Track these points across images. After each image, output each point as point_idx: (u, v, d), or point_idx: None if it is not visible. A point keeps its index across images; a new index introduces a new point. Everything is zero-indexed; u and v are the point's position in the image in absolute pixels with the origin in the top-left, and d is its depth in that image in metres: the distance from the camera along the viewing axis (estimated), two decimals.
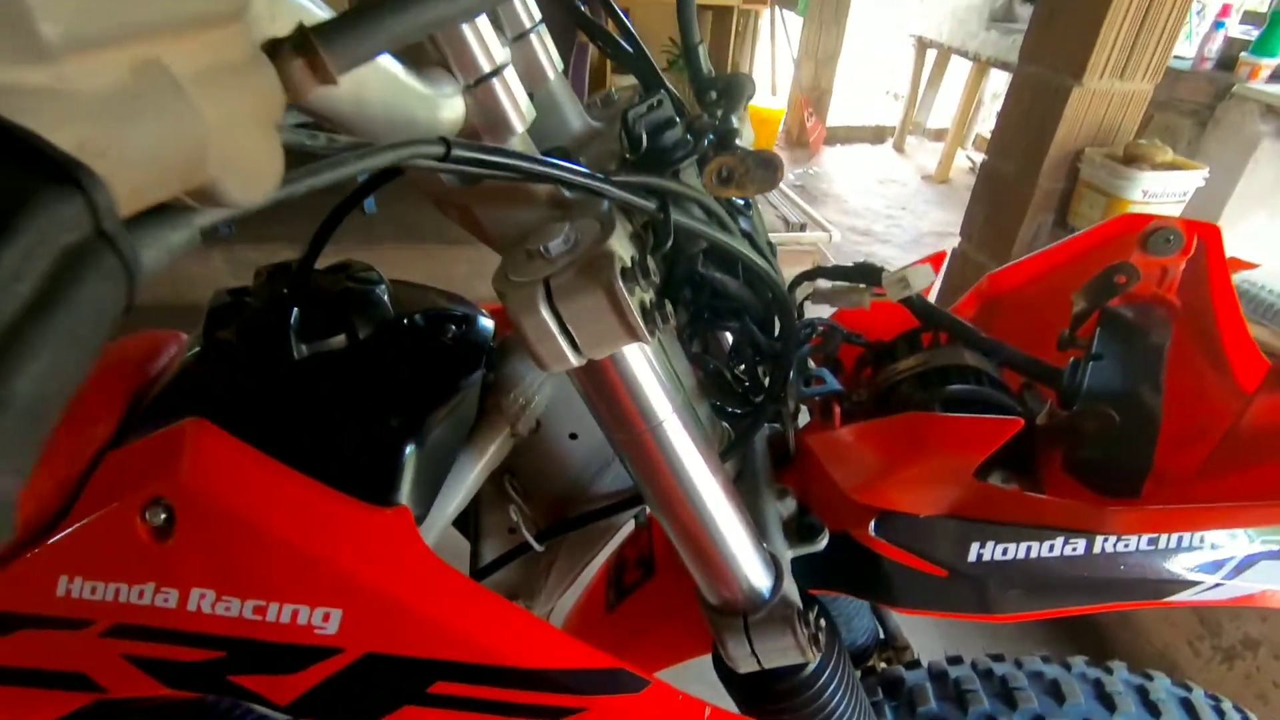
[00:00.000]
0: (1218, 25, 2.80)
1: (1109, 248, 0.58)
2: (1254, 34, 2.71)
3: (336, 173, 0.22)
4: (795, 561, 0.52)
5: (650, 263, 0.34)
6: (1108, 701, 0.69)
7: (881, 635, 0.91)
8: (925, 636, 1.37)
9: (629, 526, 0.67)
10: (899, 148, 5.23)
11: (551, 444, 0.56)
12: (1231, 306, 0.52)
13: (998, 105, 2.19)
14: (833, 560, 0.53)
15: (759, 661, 0.47)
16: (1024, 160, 2.01)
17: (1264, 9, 3.06)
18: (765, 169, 0.37)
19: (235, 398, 0.47)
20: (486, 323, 0.55)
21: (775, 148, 4.72)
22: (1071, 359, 0.52)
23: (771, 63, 4.94)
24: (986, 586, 0.51)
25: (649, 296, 0.34)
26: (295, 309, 0.48)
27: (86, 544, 0.44)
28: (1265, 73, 2.62)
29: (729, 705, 0.52)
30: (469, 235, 0.41)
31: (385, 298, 0.52)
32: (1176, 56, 2.84)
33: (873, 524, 0.51)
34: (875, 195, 4.33)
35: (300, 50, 0.19)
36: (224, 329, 0.49)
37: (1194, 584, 0.49)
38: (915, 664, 0.79)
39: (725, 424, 0.57)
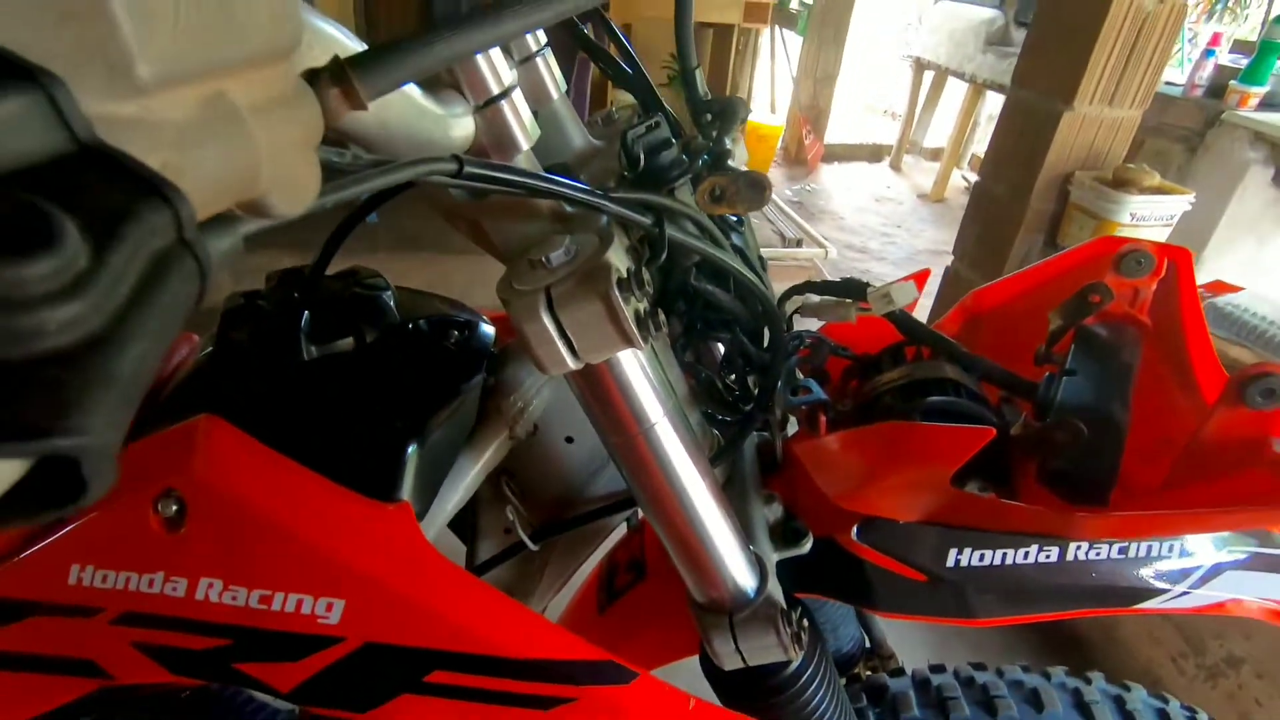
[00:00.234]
0: (1208, 53, 2.86)
1: (1086, 268, 0.61)
2: (1244, 62, 2.77)
3: (362, 187, 0.25)
4: (781, 565, 0.54)
5: (645, 274, 0.37)
6: (1085, 711, 0.70)
7: (868, 644, 0.93)
8: (911, 646, 1.39)
9: (621, 530, 0.69)
10: (896, 166, 5.29)
11: (548, 447, 0.58)
12: (1199, 326, 0.54)
13: (993, 127, 2.23)
14: (817, 564, 0.55)
15: (743, 659, 0.49)
16: (1016, 182, 2.05)
17: (1254, 38, 3.12)
18: (754, 189, 0.39)
19: (247, 396, 0.49)
20: (487, 329, 0.58)
21: (773, 164, 4.77)
22: (1047, 374, 0.54)
23: (771, 81, 5.01)
24: (964, 591, 0.53)
25: (643, 306, 0.36)
26: (306, 312, 0.50)
27: (99, 534, 0.46)
28: (1254, 101, 2.67)
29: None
30: (468, 245, 0.43)
31: (391, 303, 0.54)
32: (1168, 83, 2.90)
33: (855, 529, 0.53)
34: (872, 213, 4.38)
35: (336, 80, 0.21)
36: (237, 330, 0.51)
37: (1162, 591, 0.52)
38: (899, 672, 0.81)
39: (715, 431, 0.59)
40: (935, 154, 5.32)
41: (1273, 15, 2.81)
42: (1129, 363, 0.52)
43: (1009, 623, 0.54)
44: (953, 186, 4.70)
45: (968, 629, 1.63)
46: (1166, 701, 0.73)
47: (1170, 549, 0.51)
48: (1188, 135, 2.86)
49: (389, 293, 0.55)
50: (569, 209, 0.40)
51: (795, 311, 0.61)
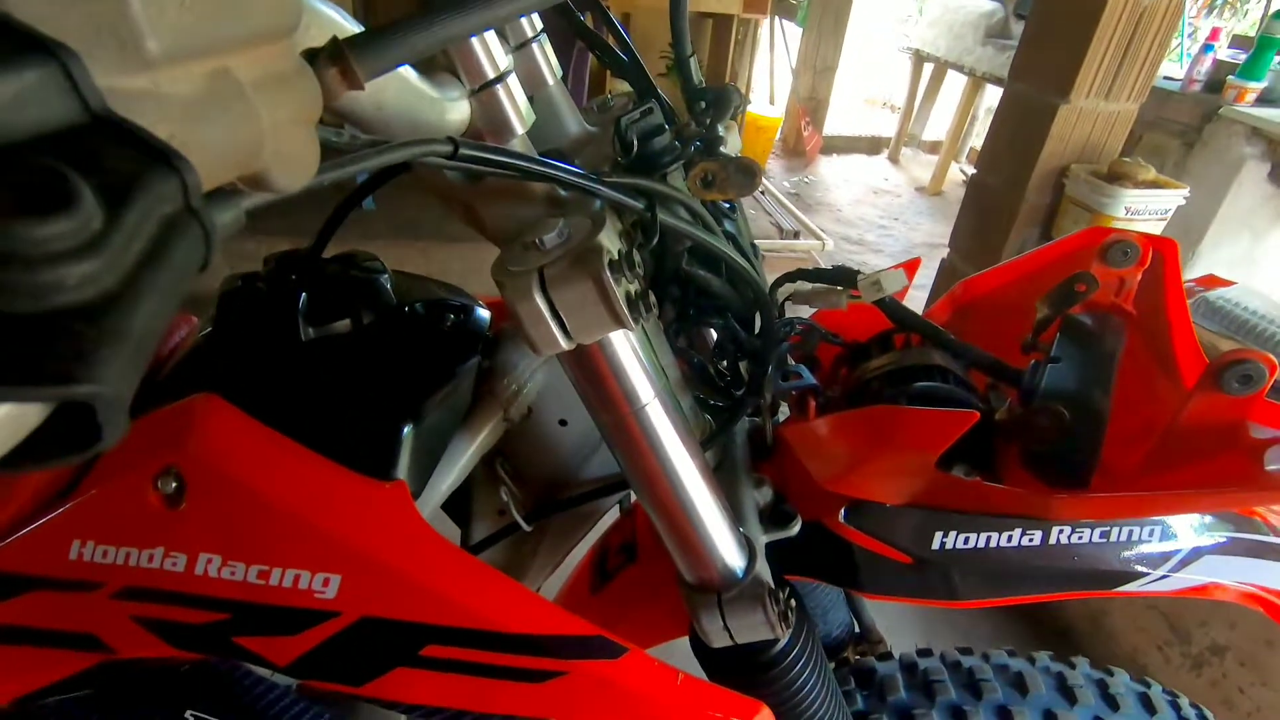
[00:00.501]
0: (1206, 48, 2.86)
1: (1073, 258, 0.62)
2: (1242, 58, 2.78)
3: (359, 166, 0.25)
4: (770, 547, 0.55)
5: (636, 257, 0.37)
6: (1069, 694, 0.72)
7: (857, 629, 0.94)
8: (900, 632, 1.40)
9: (614, 513, 0.70)
10: (894, 159, 5.29)
11: (542, 429, 0.59)
12: (1182, 315, 0.55)
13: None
14: (806, 547, 0.56)
15: (731, 636, 0.50)
16: (1012, 175, 2.06)
17: (1252, 33, 3.12)
18: (745, 174, 0.40)
19: (245, 376, 0.50)
20: (483, 313, 0.58)
21: (772, 156, 4.77)
22: (1032, 361, 0.55)
23: (770, 72, 5.00)
24: (949, 574, 0.54)
25: (634, 287, 0.37)
26: (304, 294, 0.51)
27: (99, 510, 0.47)
28: (1252, 96, 2.68)
29: None
30: (465, 233, 0.44)
31: (388, 286, 0.55)
32: (1166, 78, 2.91)
33: (843, 512, 0.54)
34: (869, 205, 4.39)
35: (334, 59, 0.22)
36: (235, 312, 0.52)
37: (1142, 575, 0.53)
38: (887, 656, 0.82)
39: (707, 416, 0.60)
40: (934, 147, 5.32)
41: (1272, 10, 2.80)
42: (1112, 350, 0.53)
43: (992, 604, 0.55)
44: (951, 179, 4.71)
45: (956, 615, 1.66)
46: (1149, 686, 0.75)
47: (1150, 533, 0.52)
48: (1185, 130, 2.87)
49: (386, 276, 0.55)
50: (563, 193, 0.41)
51: (787, 299, 0.62)
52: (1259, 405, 0.45)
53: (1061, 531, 0.51)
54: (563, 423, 0.60)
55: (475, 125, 0.39)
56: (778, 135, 4.78)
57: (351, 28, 0.27)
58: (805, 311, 0.65)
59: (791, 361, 0.63)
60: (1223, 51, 2.94)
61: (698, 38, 4.17)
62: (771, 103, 5.00)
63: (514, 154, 0.34)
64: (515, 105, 0.40)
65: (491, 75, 0.38)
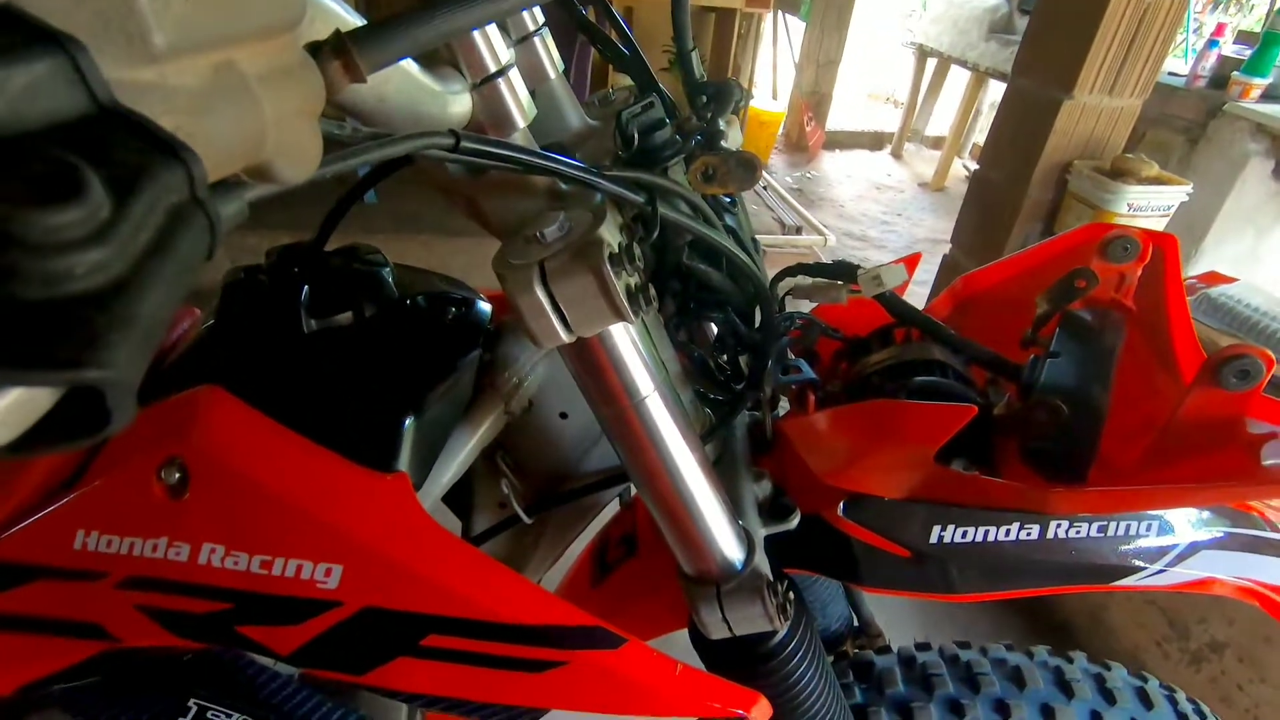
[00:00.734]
0: (1211, 44, 2.85)
1: (1073, 254, 0.62)
2: (1247, 53, 2.76)
3: (361, 158, 0.26)
4: (770, 540, 0.55)
5: (636, 250, 0.38)
6: (1066, 688, 0.72)
7: (856, 623, 0.94)
8: (899, 626, 1.41)
9: (614, 507, 0.70)
10: (897, 154, 5.28)
11: (543, 422, 0.60)
12: (1182, 311, 0.55)
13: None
14: (805, 540, 0.57)
15: (730, 628, 0.50)
16: (1014, 171, 2.06)
17: (1258, 29, 3.11)
18: (745, 168, 0.40)
19: (248, 368, 0.50)
20: (484, 306, 0.59)
21: (774, 151, 4.76)
22: (1032, 356, 0.55)
23: (773, 66, 4.98)
24: (947, 567, 0.54)
25: (634, 281, 0.37)
26: (306, 287, 0.51)
27: (104, 500, 0.47)
28: (1256, 92, 2.67)
29: None
30: (467, 228, 0.44)
31: (390, 279, 0.55)
32: (1170, 73, 2.90)
33: (842, 506, 0.54)
34: (872, 201, 4.38)
35: (337, 52, 0.22)
36: (238, 304, 0.52)
37: (1139, 569, 0.53)
38: (886, 649, 0.82)
39: (708, 410, 0.60)
40: (937, 142, 5.30)
41: (1277, 6, 2.79)
42: (1111, 346, 0.53)
43: (990, 598, 0.55)
44: (954, 175, 4.70)
45: (955, 610, 1.66)
46: (1146, 680, 0.75)
47: (1148, 528, 0.52)
48: (1189, 126, 2.86)
49: (387, 269, 0.56)
50: (564, 187, 0.41)
51: (787, 293, 0.62)
52: (1256, 400, 0.45)
53: (1059, 526, 0.51)
54: (563, 416, 0.60)
55: (477, 119, 0.39)
56: (780, 130, 4.77)
57: (354, 21, 0.28)
58: (806, 306, 0.65)
59: (791, 356, 0.63)
60: (1228, 47, 2.93)
61: (700, 32, 4.15)
62: (774, 97, 4.99)
63: (515, 147, 0.34)
64: (517, 99, 0.40)
65: (493, 69, 0.38)
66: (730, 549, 0.49)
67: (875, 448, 0.52)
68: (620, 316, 0.36)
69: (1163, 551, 0.53)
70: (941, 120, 5.30)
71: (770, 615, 0.49)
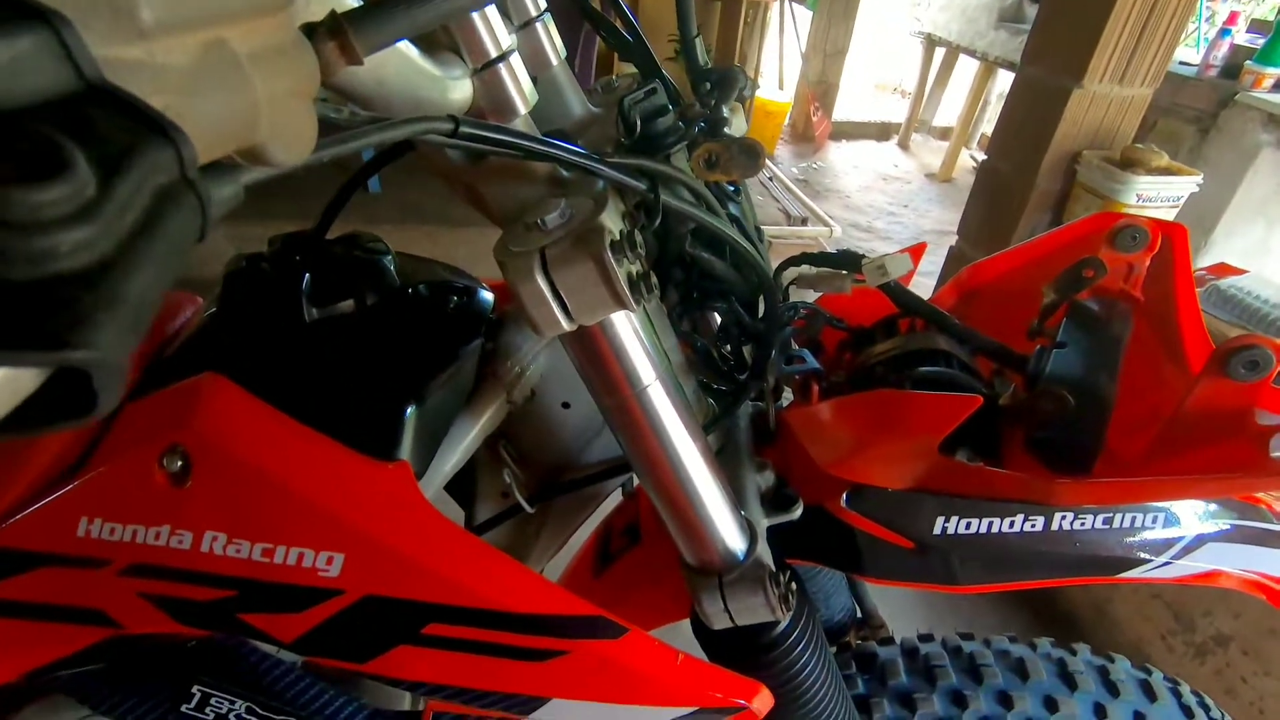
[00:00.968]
0: (1224, 33, 2.81)
1: (1081, 243, 0.61)
2: (1260, 42, 2.73)
3: (359, 142, 0.25)
4: (773, 531, 0.55)
5: (638, 237, 0.37)
6: (1069, 680, 0.72)
7: (859, 614, 0.94)
8: (903, 618, 1.41)
9: (617, 496, 0.70)
10: (904, 145, 5.24)
11: (545, 412, 0.59)
12: (1191, 301, 0.55)
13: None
14: (808, 531, 0.57)
15: (732, 618, 0.50)
16: (1022, 161, 2.04)
17: (1271, 18, 3.07)
18: (748, 155, 0.40)
19: (249, 356, 0.50)
20: (486, 295, 0.59)
21: (780, 141, 4.74)
22: (1038, 346, 0.55)
23: (780, 56, 4.95)
24: (950, 559, 0.54)
25: (636, 268, 0.37)
26: (307, 275, 0.51)
27: (107, 488, 0.47)
28: (1269, 82, 2.64)
29: None
30: (471, 218, 0.44)
31: (392, 268, 0.55)
32: (1182, 63, 2.86)
33: (845, 496, 0.54)
34: (878, 192, 4.36)
35: (332, 33, 0.22)
36: (240, 292, 0.52)
37: (1144, 561, 0.53)
38: (889, 641, 0.82)
39: (711, 399, 0.60)
40: (944, 133, 5.27)
41: None
42: (1119, 336, 0.53)
43: (994, 590, 0.55)
44: (961, 166, 4.67)
45: (959, 601, 1.66)
46: (1150, 673, 0.75)
47: (1154, 520, 0.52)
48: (1200, 116, 2.83)
49: (389, 257, 0.55)
50: (565, 173, 0.41)
51: (792, 283, 0.62)
52: (1265, 392, 0.45)
53: (1064, 517, 0.51)
54: (566, 405, 0.60)
55: (478, 104, 0.39)
56: (786, 120, 4.74)
57: (351, 1, 0.27)
58: (810, 296, 0.65)
59: (795, 346, 0.63)
60: (1240, 36, 2.89)
61: (706, 21, 4.13)
62: (780, 87, 4.96)
63: (515, 133, 0.34)
64: (518, 84, 0.39)
65: (494, 54, 0.38)
66: (732, 539, 0.49)
67: (879, 438, 0.51)
68: (621, 305, 0.36)
69: (1169, 543, 0.53)
70: (949, 110, 5.26)
71: (772, 605, 0.49)
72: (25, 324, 0.12)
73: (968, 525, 0.53)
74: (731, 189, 0.56)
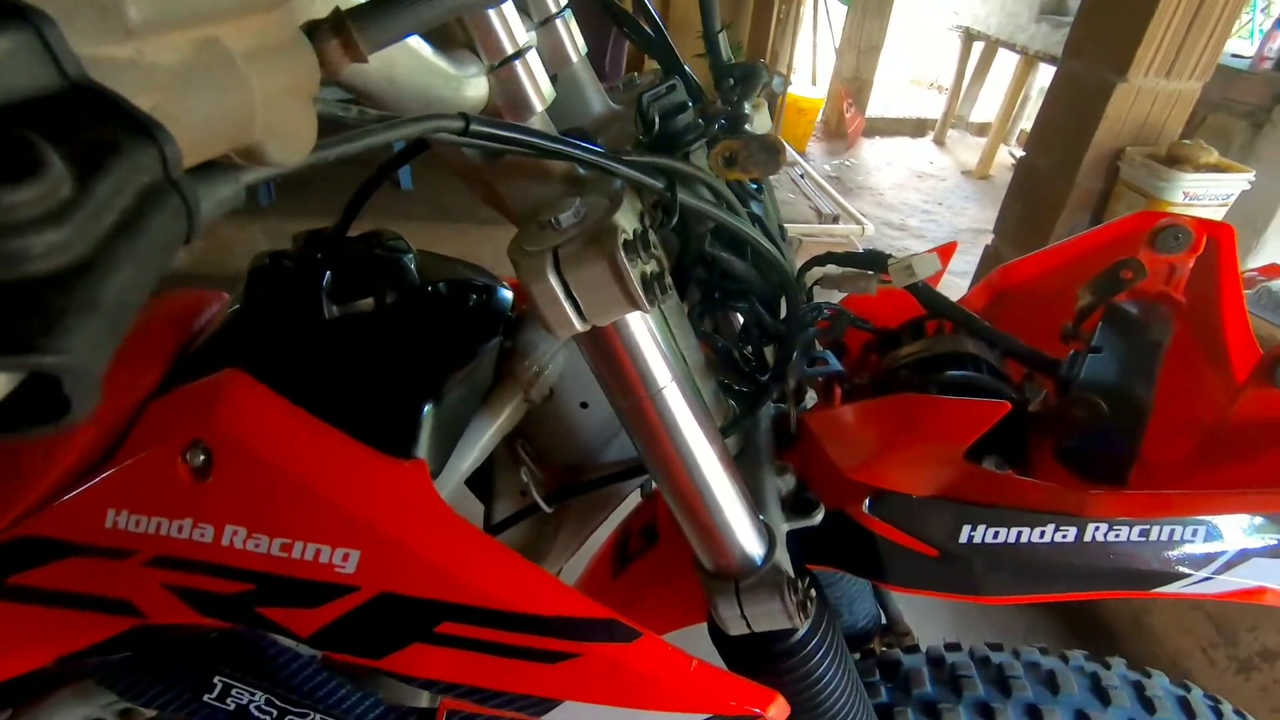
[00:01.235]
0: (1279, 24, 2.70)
1: (1120, 244, 0.59)
2: None
3: (365, 141, 0.25)
4: (792, 536, 0.54)
5: (652, 237, 0.36)
6: (1103, 695, 0.69)
7: (884, 621, 0.93)
8: (931, 626, 1.38)
9: (635, 498, 0.70)
10: (940, 141, 5.14)
11: (563, 411, 0.59)
12: (1237, 305, 0.52)
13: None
14: (828, 536, 0.55)
15: (748, 624, 0.49)
16: (1063, 158, 1.98)
17: None
18: (768, 153, 0.39)
19: (270, 352, 0.50)
20: (506, 293, 0.58)
21: (812, 138, 4.68)
22: (1072, 351, 0.53)
23: (813, 52, 4.88)
24: (976, 568, 0.52)
25: (650, 268, 0.36)
26: (328, 272, 0.51)
27: (133, 480, 0.48)
28: None
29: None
30: (500, 216, 0.44)
31: (412, 266, 0.55)
32: (1235, 55, 2.76)
33: (867, 502, 0.53)
34: (912, 189, 4.28)
35: (336, 30, 0.21)
36: (263, 289, 0.52)
37: (1183, 576, 0.50)
38: (914, 648, 0.80)
39: (731, 401, 0.59)
40: (982, 129, 5.15)
41: None
42: (1158, 341, 0.51)
43: (1021, 601, 0.53)
44: (999, 163, 4.56)
45: (990, 610, 1.62)
46: (1189, 690, 0.72)
47: (1194, 533, 0.50)
48: (1253, 111, 2.72)
49: (410, 255, 0.56)
50: (582, 172, 0.40)
51: (816, 283, 0.61)
52: None
53: (1097, 529, 0.49)
54: (584, 405, 0.59)
55: (494, 102, 0.39)
56: (819, 117, 4.68)
57: None
58: (835, 296, 0.63)
59: (819, 347, 0.62)
60: None
61: (739, 16, 4.09)
62: (813, 83, 4.89)
63: (528, 131, 0.33)
64: (535, 82, 0.39)
65: (510, 51, 0.37)
66: (750, 544, 0.48)
67: (902, 443, 0.50)
68: (634, 305, 0.35)
69: (1210, 558, 0.50)
70: (987, 106, 5.14)
71: (790, 613, 0.48)
72: None
73: (995, 534, 0.51)
74: (754, 187, 0.55)
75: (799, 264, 0.60)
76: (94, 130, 0.13)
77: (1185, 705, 0.70)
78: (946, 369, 0.54)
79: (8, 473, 0.51)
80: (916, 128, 5.30)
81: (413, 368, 0.50)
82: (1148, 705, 0.69)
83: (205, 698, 0.53)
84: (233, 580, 0.47)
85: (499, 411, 0.54)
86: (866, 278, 0.57)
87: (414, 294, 0.54)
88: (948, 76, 5.36)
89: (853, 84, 4.80)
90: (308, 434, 0.47)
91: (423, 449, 0.48)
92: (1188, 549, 0.50)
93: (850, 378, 0.60)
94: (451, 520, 0.46)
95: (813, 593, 0.52)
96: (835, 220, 3.36)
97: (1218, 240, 0.55)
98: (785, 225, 0.62)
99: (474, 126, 0.30)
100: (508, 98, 0.38)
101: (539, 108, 0.39)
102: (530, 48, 0.38)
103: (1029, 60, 4.27)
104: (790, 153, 3.75)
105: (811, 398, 0.65)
